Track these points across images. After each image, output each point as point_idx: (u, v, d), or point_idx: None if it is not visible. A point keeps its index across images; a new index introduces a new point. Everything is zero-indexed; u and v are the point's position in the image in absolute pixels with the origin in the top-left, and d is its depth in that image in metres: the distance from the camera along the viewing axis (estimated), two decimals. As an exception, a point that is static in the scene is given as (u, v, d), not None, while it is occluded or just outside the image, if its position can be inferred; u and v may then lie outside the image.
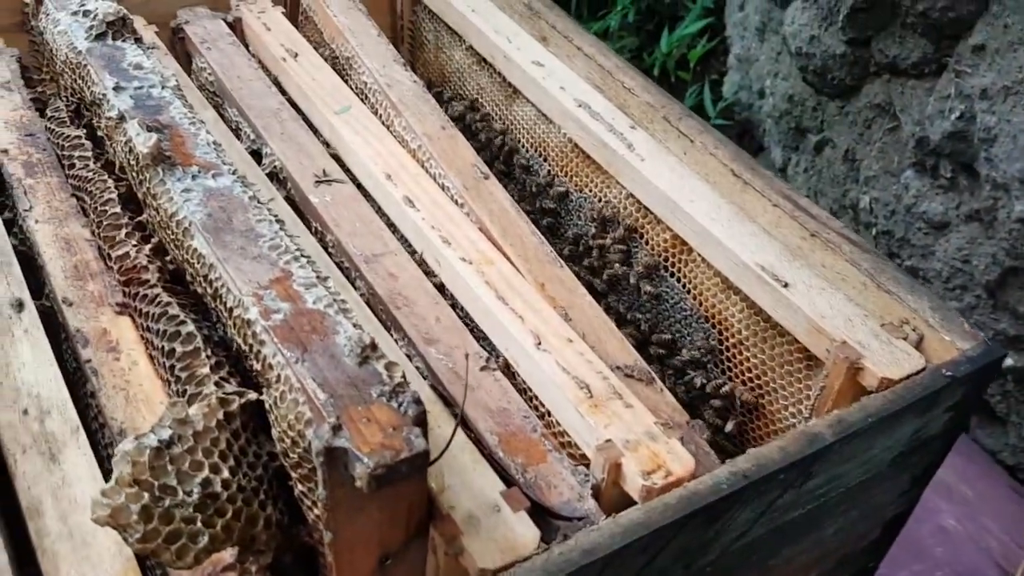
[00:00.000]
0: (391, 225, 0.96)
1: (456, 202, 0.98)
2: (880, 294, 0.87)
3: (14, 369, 0.73)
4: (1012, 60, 1.34)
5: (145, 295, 0.77)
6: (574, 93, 1.06)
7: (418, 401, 0.64)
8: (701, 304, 0.96)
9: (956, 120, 1.45)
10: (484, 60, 1.18)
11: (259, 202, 0.78)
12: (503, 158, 1.17)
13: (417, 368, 0.84)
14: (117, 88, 0.86)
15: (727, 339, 0.94)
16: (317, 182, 0.96)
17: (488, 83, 1.18)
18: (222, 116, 1.06)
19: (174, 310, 0.74)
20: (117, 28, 0.93)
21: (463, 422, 0.77)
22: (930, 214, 1.59)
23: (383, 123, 1.07)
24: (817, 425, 0.73)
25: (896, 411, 0.78)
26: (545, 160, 1.11)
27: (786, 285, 0.86)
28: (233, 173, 0.79)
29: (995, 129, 1.38)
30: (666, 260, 0.99)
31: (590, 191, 1.06)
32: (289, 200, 0.98)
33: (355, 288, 0.91)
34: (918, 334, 0.84)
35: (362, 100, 1.09)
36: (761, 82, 2.04)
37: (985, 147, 1.41)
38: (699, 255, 0.94)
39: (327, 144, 1.05)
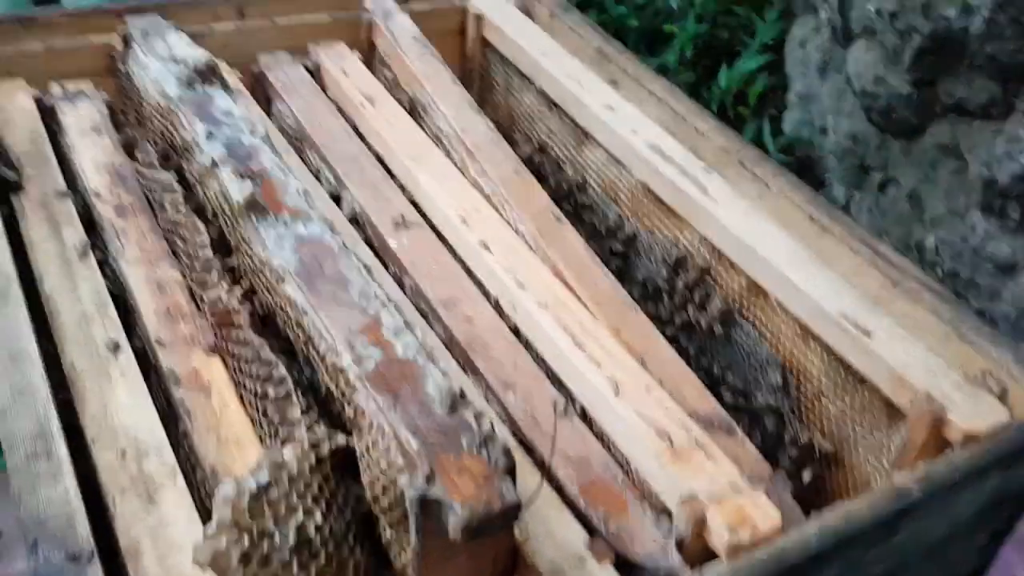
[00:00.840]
0: (467, 269, 0.97)
1: (530, 246, 0.99)
2: (962, 345, 0.86)
3: (112, 411, 0.75)
4: (1087, 103, 1.32)
5: (237, 338, 0.79)
6: (646, 136, 1.07)
7: (508, 452, 0.64)
8: (777, 351, 0.95)
9: (1028, 162, 1.43)
10: (554, 103, 1.20)
11: (347, 248, 0.80)
12: (573, 200, 1.18)
13: (496, 413, 0.85)
14: (209, 135, 0.89)
15: (804, 387, 0.93)
16: (396, 226, 0.98)
17: (558, 126, 1.20)
18: (302, 160, 1.09)
19: (266, 353, 0.76)
20: (206, 75, 0.97)
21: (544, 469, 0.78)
22: (998, 256, 1.57)
23: (458, 167, 1.09)
24: (905, 480, 0.72)
25: (983, 466, 0.77)
26: (615, 203, 1.12)
27: (867, 334, 0.85)
28: (322, 220, 0.82)
29: (1068, 172, 1.36)
30: (741, 305, 0.99)
31: (661, 234, 1.07)
32: (368, 243, 1.00)
33: (433, 332, 0.92)
34: (1001, 386, 0.83)
35: (437, 144, 1.11)
36: (823, 119, 2.03)
37: (1058, 190, 1.38)
38: (776, 301, 0.93)
39: (403, 188, 1.07)
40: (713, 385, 1.01)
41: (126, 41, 1.05)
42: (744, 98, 2.42)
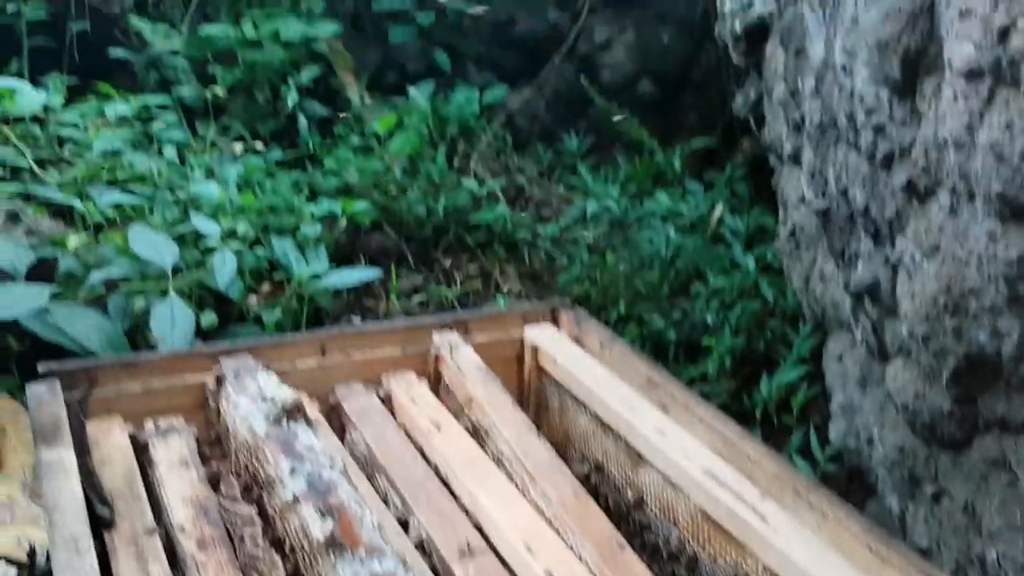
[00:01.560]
0: (533, 599, 0.98)
1: (594, 574, 1.00)
2: None
3: None
4: None
5: None
6: (700, 461, 1.11)
7: None
8: None
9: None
10: (608, 427, 1.26)
11: (420, 584, 0.82)
12: (632, 520, 1.21)
13: None
14: (292, 471, 0.96)
15: None
16: (462, 554, 1.01)
17: (613, 448, 1.26)
18: (372, 485, 1.15)
19: None
20: (293, 412, 1.06)
21: None
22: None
23: (519, 489, 1.13)
24: None
25: None
26: (675, 525, 1.15)
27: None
28: (395, 555, 0.85)
29: None
30: (810, 638, 0.97)
31: (723, 560, 1.07)
32: (434, 571, 1.02)
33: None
34: None
35: (499, 467, 1.17)
36: (868, 431, 2.07)
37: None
38: (846, 635, 0.92)
39: (468, 511, 1.11)
40: None
41: (219, 380, 1.16)
42: (787, 406, 2.48)
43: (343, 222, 2.92)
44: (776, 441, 2.47)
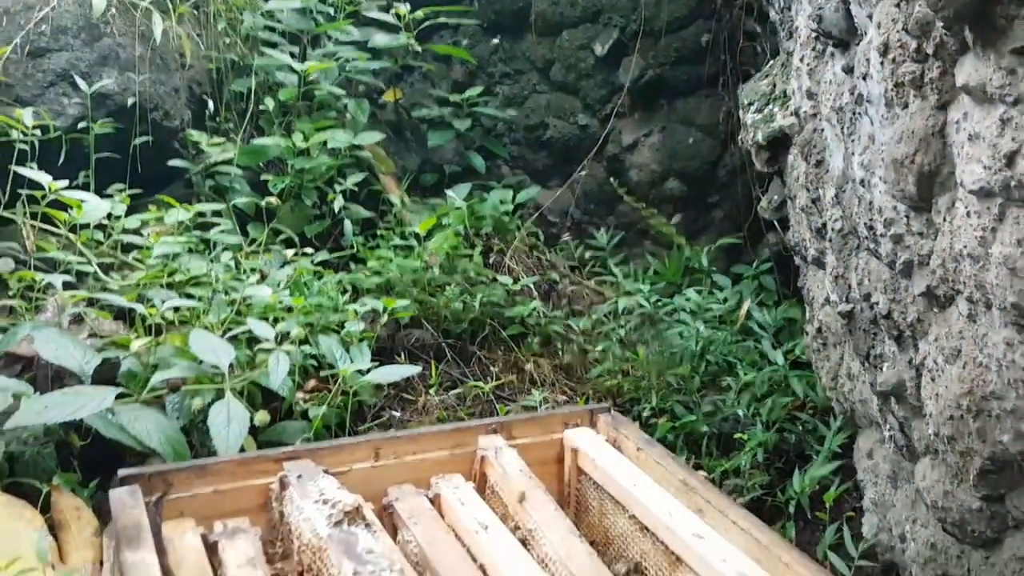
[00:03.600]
0: None
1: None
2: None
3: None
4: None
5: None
6: (735, 564, 1.18)
7: None
8: None
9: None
10: (646, 528, 1.33)
11: None
12: (669, 622, 1.26)
13: None
14: (355, 573, 1.04)
15: None
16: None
17: (651, 549, 1.32)
18: (424, 585, 1.23)
19: None
20: (353, 515, 1.15)
21: None
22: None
23: (563, 592, 1.20)
24: None
25: None
26: (711, 626, 1.20)
27: None
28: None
29: None
30: None
31: (759, 661, 1.13)
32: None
33: None
34: None
35: (544, 569, 1.24)
36: (900, 527, 2.10)
37: None
38: None
39: (514, 612, 1.18)
40: None
41: (283, 484, 1.26)
42: (820, 500, 2.51)
43: (384, 318, 3.04)
44: (810, 535, 2.50)
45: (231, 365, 2.16)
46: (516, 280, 3.67)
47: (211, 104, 3.39)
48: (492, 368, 3.15)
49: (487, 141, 4.42)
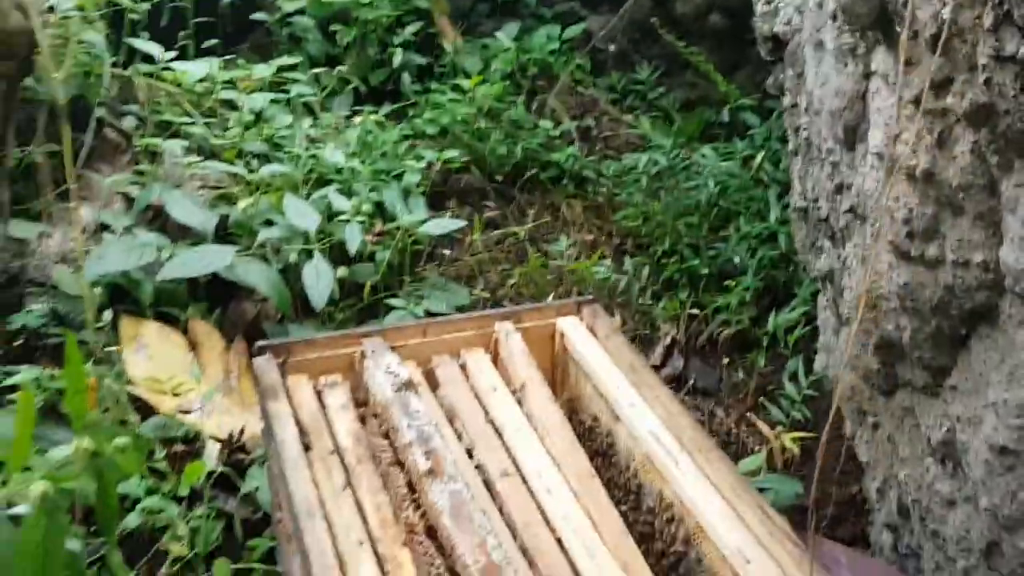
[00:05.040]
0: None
1: (573, 489, 1.72)
2: None
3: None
4: None
5: (417, 543, 1.56)
6: (648, 425, 1.80)
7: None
8: None
9: None
10: (601, 394, 1.95)
11: (474, 498, 1.56)
12: (607, 457, 1.92)
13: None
14: (408, 426, 1.70)
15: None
16: (501, 475, 1.75)
17: (603, 409, 1.95)
18: (453, 428, 1.88)
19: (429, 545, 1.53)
20: (408, 384, 1.79)
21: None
22: (942, 492, 2.17)
23: (538, 436, 1.84)
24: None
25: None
26: (630, 463, 1.85)
27: None
28: (462, 479, 1.59)
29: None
30: None
31: (651, 487, 1.78)
32: (486, 484, 1.75)
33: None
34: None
35: (528, 420, 1.88)
36: (835, 369, 2.71)
37: None
38: None
39: (507, 448, 1.84)
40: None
41: (363, 354, 1.91)
42: (786, 339, 3.10)
43: (438, 165, 3.59)
44: (778, 365, 3.12)
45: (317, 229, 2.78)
46: (557, 123, 4.12)
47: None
48: (530, 210, 3.72)
49: (538, -31, 4.65)
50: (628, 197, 3.77)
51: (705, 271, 3.43)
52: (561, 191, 3.85)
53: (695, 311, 3.27)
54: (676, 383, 3.11)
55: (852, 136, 2.07)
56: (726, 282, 3.32)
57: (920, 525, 2.15)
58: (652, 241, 3.61)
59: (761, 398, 2.92)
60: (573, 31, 4.55)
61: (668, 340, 3.25)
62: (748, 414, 2.89)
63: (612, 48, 4.81)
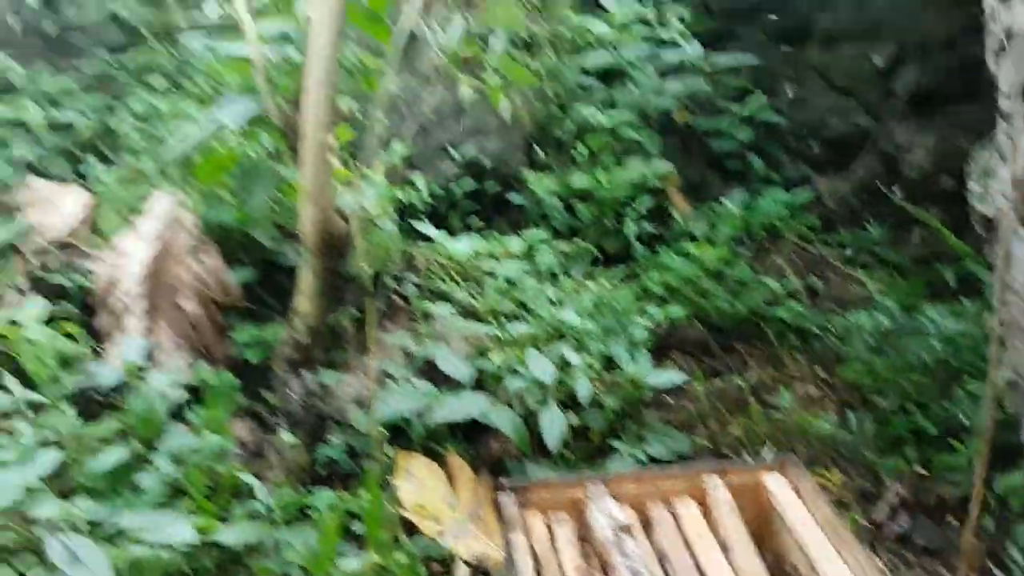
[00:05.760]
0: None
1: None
2: None
3: None
4: None
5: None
6: (849, 580, 1.96)
7: None
8: None
9: None
10: (801, 548, 2.13)
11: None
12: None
13: None
14: (624, 566, 2.01)
15: None
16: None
17: (802, 560, 2.13)
18: (663, 567, 2.14)
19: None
20: (625, 528, 2.11)
21: None
22: None
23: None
24: None
25: None
26: None
27: None
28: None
29: None
30: None
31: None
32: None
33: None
34: None
35: (732, 571, 2.11)
36: None
37: None
38: None
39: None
40: None
41: (586, 497, 2.26)
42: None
43: (664, 320, 3.94)
44: (1005, 527, 3.04)
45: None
46: (783, 277, 4.34)
47: (538, 150, 4.44)
48: (751, 362, 3.92)
49: (767, 145, 5.02)
50: (853, 351, 3.86)
51: (933, 431, 3.44)
52: (784, 345, 4.01)
53: (922, 470, 3.28)
54: (901, 542, 3.12)
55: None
56: (952, 441, 3.32)
57: None
58: (877, 397, 3.67)
59: (988, 562, 2.88)
60: (802, 197, 4.81)
61: (895, 498, 3.28)
62: (972, 576, 2.86)
63: (842, 207, 4.99)
